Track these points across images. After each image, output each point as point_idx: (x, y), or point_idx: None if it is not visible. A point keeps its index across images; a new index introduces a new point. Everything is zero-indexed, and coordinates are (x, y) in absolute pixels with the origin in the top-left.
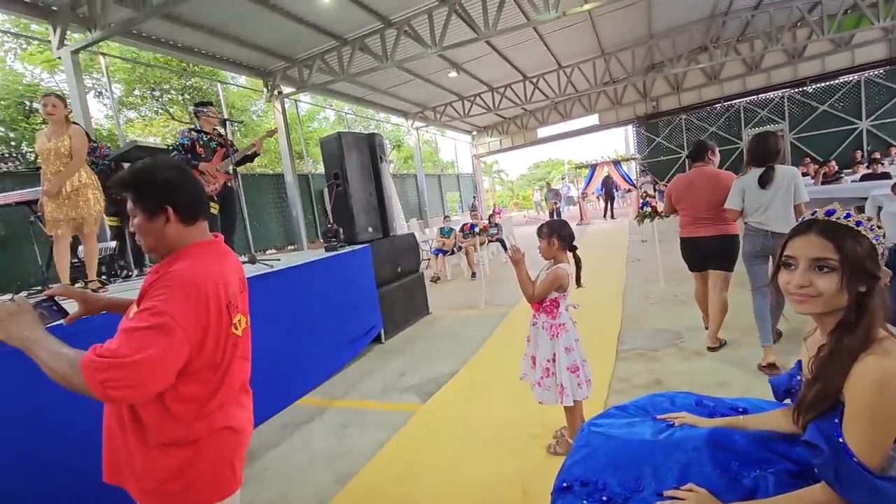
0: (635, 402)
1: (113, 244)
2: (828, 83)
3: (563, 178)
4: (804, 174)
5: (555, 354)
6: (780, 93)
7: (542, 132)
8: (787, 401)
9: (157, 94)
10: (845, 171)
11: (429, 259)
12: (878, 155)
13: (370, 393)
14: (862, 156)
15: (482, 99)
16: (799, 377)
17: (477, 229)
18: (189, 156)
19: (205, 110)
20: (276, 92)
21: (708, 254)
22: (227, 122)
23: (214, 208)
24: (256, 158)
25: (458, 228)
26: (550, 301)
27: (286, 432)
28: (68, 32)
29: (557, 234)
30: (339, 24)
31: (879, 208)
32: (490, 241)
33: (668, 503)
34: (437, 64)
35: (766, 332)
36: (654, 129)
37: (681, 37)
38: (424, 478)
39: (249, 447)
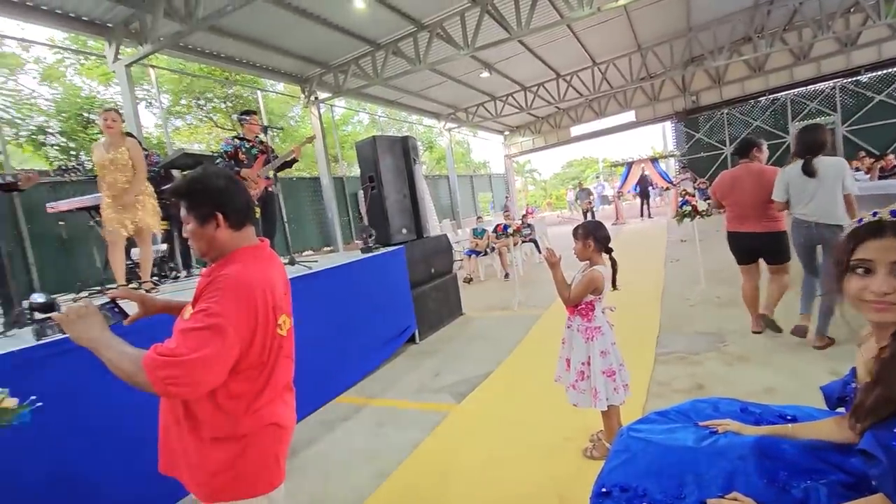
0: (677, 407)
1: (163, 247)
2: (884, 72)
3: (597, 177)
4: (856, 169)
5: (589, 358)
6: (831, 83)
7: (576, 130)
8: (841, 409)
9: (201, 102)
10: None
11: (461, 260)
12: None
13: (405, 392)
14: None
15: (514, 98)
16: (853, 384)
17: (510, 230)
18: (232, 162)
19: (248, 118)
20: (312, 97)
21: (757, 249)
22: (268, 129)
23: (256, 212)
24: (296, 163)
25: (490, 229)
26: (586, 304)
27: (325, 429)
28: (122, 47)
29: (593, 236)
30: (372, 29)
31: None
32: (523, 242)
33: None
34: (469, 65)
35: (807, 304)
36: (693, 125)
37: (722, 28)
38: (460, 479)
39: (291, 442)
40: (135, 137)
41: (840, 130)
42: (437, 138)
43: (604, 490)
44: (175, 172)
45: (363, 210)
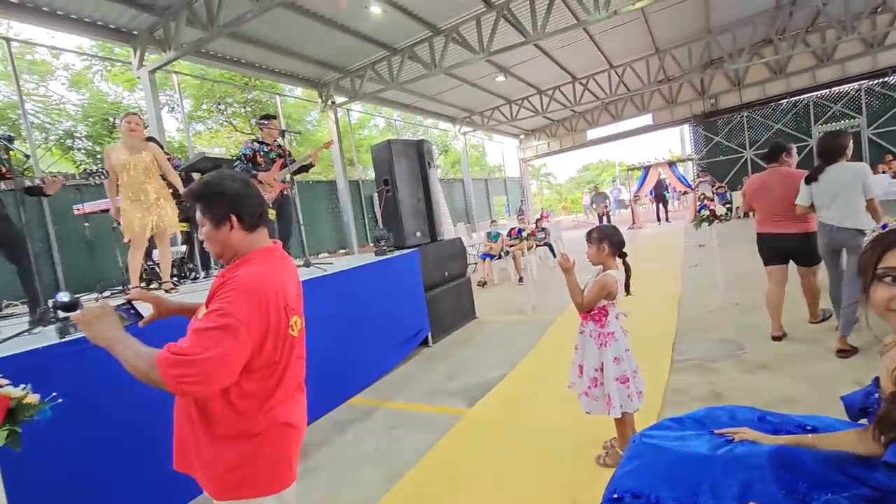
0: (692, 414)
1: (183, 248)
2: None
3: (613, 181)
4: (882, 172)
5: (602, 364)
6: (856, 85)
7: (592, 134)
8: (863, 421)
9: (222, 107)
10: None
11: (476, 263)
12: None
13: (418, 395)
14: None
15: (530, 102)
16: (877, 395)
17: (524, 234)
18: (250, 165)
19: (267, 123)
20: (329, 102)
21: (786, 251)
22: (286, 133)
23: (272, 214)
24: (313, 168)
25: (505, 233)
26: (599, 309)
27: (337, 431)
28: (146, 54)
29: (608, 240)
30: (389, 34)
31: None
32: (538, 246)
33: None
34: (485, 68)
35: (845, 326)
36: (712, 128)
37: (742, 30)
38: (471, 483)
39: (303, 443)
40: (157, 142)
41: (866, 133)
42: (453, 142)
43: (615, 496)
44: (195, 175)
45: (378, 213)
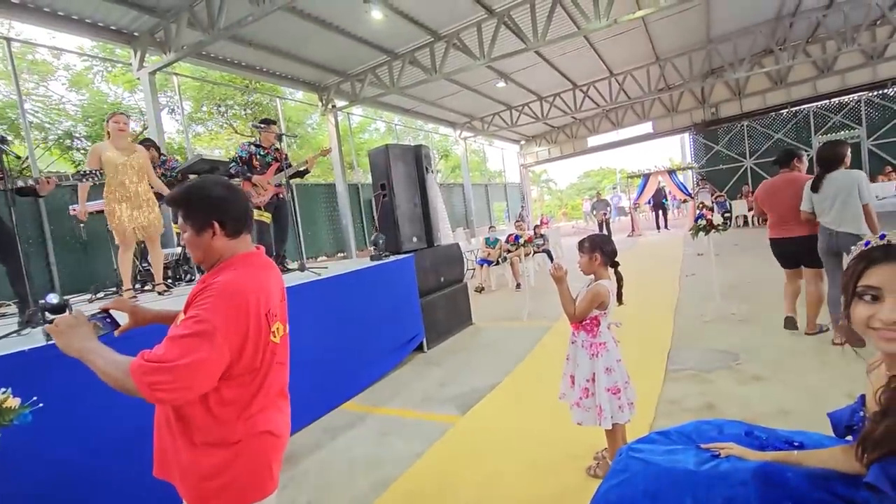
0: (679, 428)
1: (178, 250)
2: None
3: (614, 188)
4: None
5: (594, 374)
6: (856, 96)
7: (593, 141)
8: (850, 438)
9: (222, 109)
10: None
11: (474, 269)
12: None
13: (410, 402)
14: None
15: (530, 108)
16: (861, 413)
17: (521, 240)
18: (245, 167)
19: (266, 127)
20: (329, 105)
21: (796, 253)
22: (282, 137)
23: (267, 217)
24: (309, 174)
25: (503, 239)
26: (591, 319)
27: (328, 437)
28: (147, 55)
29: (600, 249)
30: (390, 39)
31: None
32: (536, 252)
33: None
34: (485, 74)
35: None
36: (712, 137)
37: (743, 40)
38: (461, 492)
39: (292, 449)
40: (154, 144)
41: (865, 144)
42: (453, 147)
43: None
44: (192, 177)
45: (376, 217)
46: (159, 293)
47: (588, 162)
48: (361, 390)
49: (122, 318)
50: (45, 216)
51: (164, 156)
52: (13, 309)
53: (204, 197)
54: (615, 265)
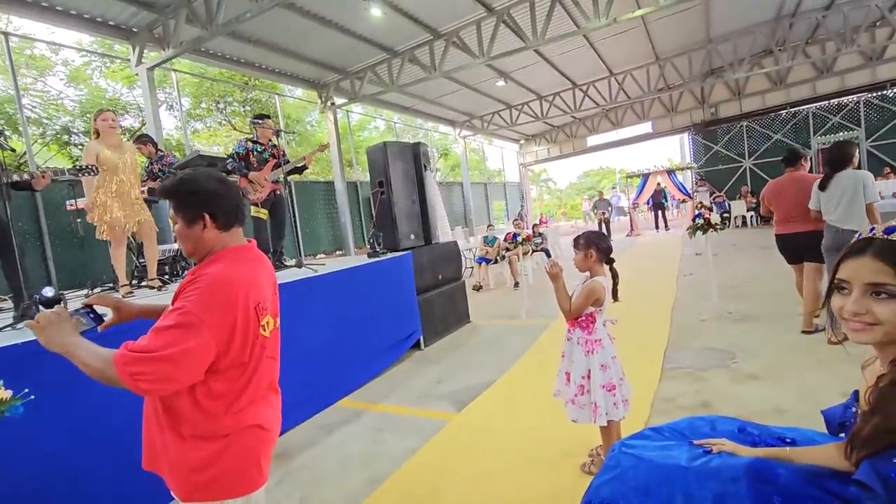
0: (672, 424)
1: (176, 246)
2: None
3: (613, 188)
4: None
5: (589, 371)
6: (854, 97)
7: (592, 140)
8: (843, 434)
9: (221, 106)
10: None
11: (472, 267)
12: None
13: (406, 399)
14: None
15: (530, 107)
16: (854, 409)
17: (520, 238)
18: (242, 164)
19: (261, 123)
20: (329, 103)
21: (800, 248)
22: (280, 133)
23: (264, 214)
24: (307, 170)
25: (502, 237)
26: (586, 316)
27: (323, 432)
28: (145, 51)
29: (595, 246)
30: (389, 37)
31: None
32: (534, 251)
33: None
34: (485, 73)
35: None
36: (712, 137)
37: (743, 40)
38: (455, 489)
39: (287, 445)
40: (152, 140)
41: (864, 146)
42: (453, 145)
43: None
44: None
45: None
46: (151, 288)
47: (587, 161)
48: (358, 387)
49: (106, 314)
50: (42, 211)
51: (162, 151)
52: (9, 304)
53: (195, 189)
54: (610, 262)
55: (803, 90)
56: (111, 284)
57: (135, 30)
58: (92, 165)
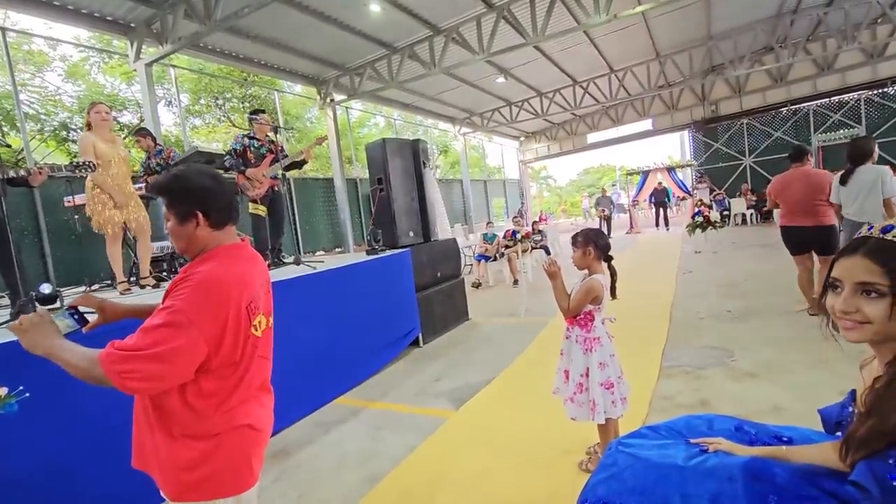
0: (669, 423)
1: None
2: None
3: (613, 185)
4: None
5: (588, 369)
6: (855, 95)
7: (592, 138)
8: (839, 434)
9: (219, 102)
10: None
11: (471, 265)
12: None
13: (405, 397)
14: None
15: (530, 104)
16: (851, 408)
17: (519, 236)
18: (240, 160)
19: (257, 118)
20: (328, 99)
21: (804, 241)
22: (278, 130)
23: (262, 211)
24: (307, 164)
25: (501, 234)
26: (585, 314)
27: (321, 431)
28: (143, 46)
29: (593, 244)
30: (388, 32)
31: None
32: (534, 249)
33: None
34: (485, 70)
35: None
36: (712, 135)
37: (743, 37)
38: (453, 486)
39: (284, 443)
40: (151, 135)
41: None
42: (452, 142)
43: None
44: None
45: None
46: (141, 287)
47: (587, 159)
48: (356, 385)
49: (91, 315)
50: (40, 208)
51: (160, 146)
52: (6, 300)
53: (188, 186)
54: (609, 259)
55: (804, 87)
56: (109, 281)
57: (132, 25)
58: (90, 162)
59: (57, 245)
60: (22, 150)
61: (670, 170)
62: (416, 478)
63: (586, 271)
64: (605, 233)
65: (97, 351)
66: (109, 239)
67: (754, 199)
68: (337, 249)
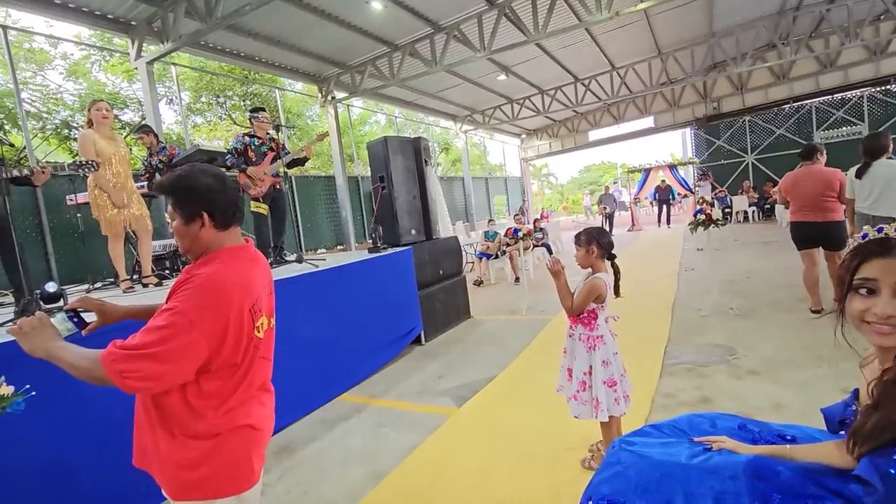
0: (672, 421)
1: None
2: None
3: (615, 182)
4: None
5: (591, 367)
6: (858, 92)
7: (594, 135)
8: (842, 432)
9: (221, 100)
10: None
11: (473, 262)
12: None
13: (407, 394)
14: None
15: (531, 101)
16: (854, 407)
17: (520, 233)
18: (241, 159)
19: (258, 116)
20: (329, 97)
21: (816, 237)
22: (280, 128)
23: (264, 209)
24: (308, 162)
25: (502, 232)
26: (588, 312)
27: (325, 428)
28: (144, 45)
29: (596, 242)
30: (390, 30)
31: None
32: (535, 246)
33: None
34: (486, 67)
35: None
36: (714, 132)
37: (745, 34)
38: (455, 484)
39: (288, 440)
40: (154, 133)
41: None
42: (454, 140)
43: (590, 502)
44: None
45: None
46: (144, 285)
47: (589, 156)
48: (358, 382)
49: (90, 317)
50: (43, 207)
51: (163, 143)
52: (10, 298)
53: (194, 187)
54: (612, 258)
55: (806, 84)
56: (112, 279)
57: (133, 23)
58: (92, 161)
59: (60, 243)
60: (24, 148)
61: (672, 167)
62: (420, 474)
63: (590, 269)
64: (608, 231)
65: (98, 351)
66: (111, 238)
67: (756, 196)
68: (338, 247)
